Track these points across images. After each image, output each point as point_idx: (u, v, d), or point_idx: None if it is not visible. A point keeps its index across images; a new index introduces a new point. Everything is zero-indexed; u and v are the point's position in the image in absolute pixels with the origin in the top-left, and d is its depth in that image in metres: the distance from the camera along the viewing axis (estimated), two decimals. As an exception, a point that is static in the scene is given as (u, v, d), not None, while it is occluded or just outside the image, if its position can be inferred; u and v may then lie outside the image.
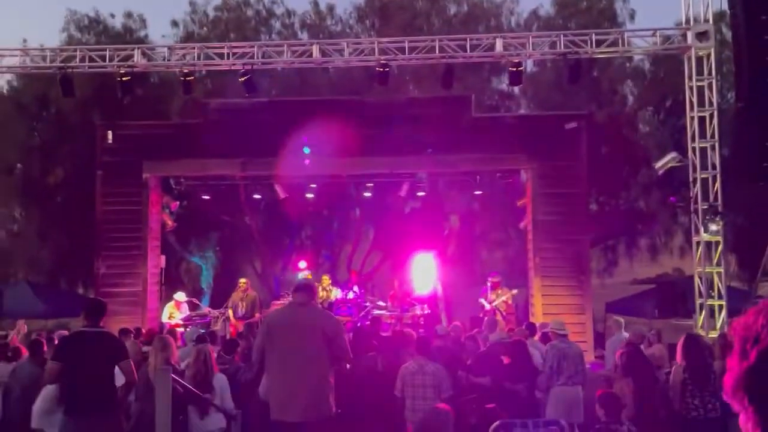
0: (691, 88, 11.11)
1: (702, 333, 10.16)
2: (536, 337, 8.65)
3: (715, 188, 10.84)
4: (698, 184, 10.93)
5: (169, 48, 12.14)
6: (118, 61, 11.37)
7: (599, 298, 16.05)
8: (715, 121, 10.92)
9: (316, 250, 19.11)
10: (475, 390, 6.94)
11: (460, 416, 5.85)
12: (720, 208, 10.74)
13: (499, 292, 12.24)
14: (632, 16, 17.57)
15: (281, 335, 4.69)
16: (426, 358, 6.26)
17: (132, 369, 5.31)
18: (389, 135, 11.73)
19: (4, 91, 18.14)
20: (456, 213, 16.39)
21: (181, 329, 10.97)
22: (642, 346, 7.50)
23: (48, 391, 5.63)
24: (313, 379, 4.62)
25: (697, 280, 11.15)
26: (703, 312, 10.89)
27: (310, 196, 14.36)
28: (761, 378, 1.09)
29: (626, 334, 8.36)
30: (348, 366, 5.20)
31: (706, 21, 11.02)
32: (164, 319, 11.84)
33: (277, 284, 17.48)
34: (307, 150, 11.57)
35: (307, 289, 5.00)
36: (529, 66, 16.76)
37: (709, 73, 11.01)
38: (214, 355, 6.48)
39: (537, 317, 11.45)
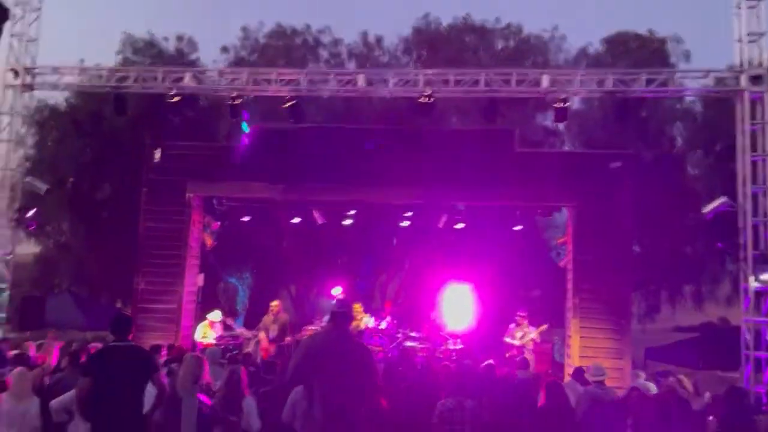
0: (743, 131, 10.80)
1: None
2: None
3: (767, 236, 10.44)
4: (749, 231, 10.54)
5: (219, 72, 12.44)
6: (170, 82, 11.69)
7: (639, 343, 15.50)
8: (768, 166, 10.57)
9: (351, 278, 19.07)
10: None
11: None
12: (771, 257, 10.31)
13: (526, 330, 11.99)
14: (687, 57, 17.22)
15: (328, 364, 4.52)
16: (464, 395, 6.11)
17: (164, 382, 5.34)
18: (430, 165, 11.71)
19: (62, 108, 18.84)
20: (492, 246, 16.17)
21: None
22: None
23: (68, 395, 5.67)
24: (355, 414, 4.45)
25: (744, 330, 10.67)
26: (750, 365, 10.39)
27: (347, 222, 14.38)
28: None
29: (643, 383, 8.15)
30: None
31: (761, 65, 10.76)
32: (197, 338, 11.91)
33: (311, 309, 17.47)
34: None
35: (350, 316, 4.93)
36: (575, 103, 16.60)
37: (763, 117, 10.71)
38: (246, 377, 6.46)
39: (573, 359, 11.12)
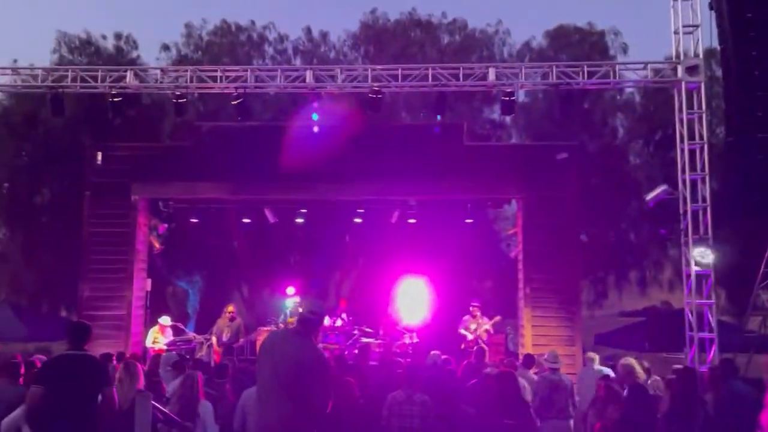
0: (681, 121, 11.18)
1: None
2: (532, 370, 8.49)
3: (706, 221, 10.85)
4: (689, 217, 10.93)
5: (162, 70, 12.09)
6: (111, 82, 11.30)
7: (588, 329, 15.93)
8: (705, 154, 10.97)
9: (305, 276, 18.90)
10: (463, 419, 6.73)
11: None
12: (710, 241, 10.72)
13: (480, 321, 12.12)
14: (624, 50, 17.81)
15: (270, 366, 4.29)
16: (414, 389, 6.11)
17: (114, 396, 5.13)
18: (381, 161, 11.70)
19: (-6, 111, 18.01)
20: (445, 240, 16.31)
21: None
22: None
23: (18, 411, 5.41)
24: (289, 414, 4.16)
25: (687, 313, 11.07)
26: (694, 346, 10.79)
27: (299, 220, 14.24)
28: None
29: (598, 368, 8.32)
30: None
31: (696, 56, 11.15)
32: (148, 343, 11.61)
33: (264, 310, 17.23)
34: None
35: (319, 323, 4.57)
36: (520, 96, 16.90)
37: (699, 107, 11.10)
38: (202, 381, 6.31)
39: (526, 348, 11.32)
